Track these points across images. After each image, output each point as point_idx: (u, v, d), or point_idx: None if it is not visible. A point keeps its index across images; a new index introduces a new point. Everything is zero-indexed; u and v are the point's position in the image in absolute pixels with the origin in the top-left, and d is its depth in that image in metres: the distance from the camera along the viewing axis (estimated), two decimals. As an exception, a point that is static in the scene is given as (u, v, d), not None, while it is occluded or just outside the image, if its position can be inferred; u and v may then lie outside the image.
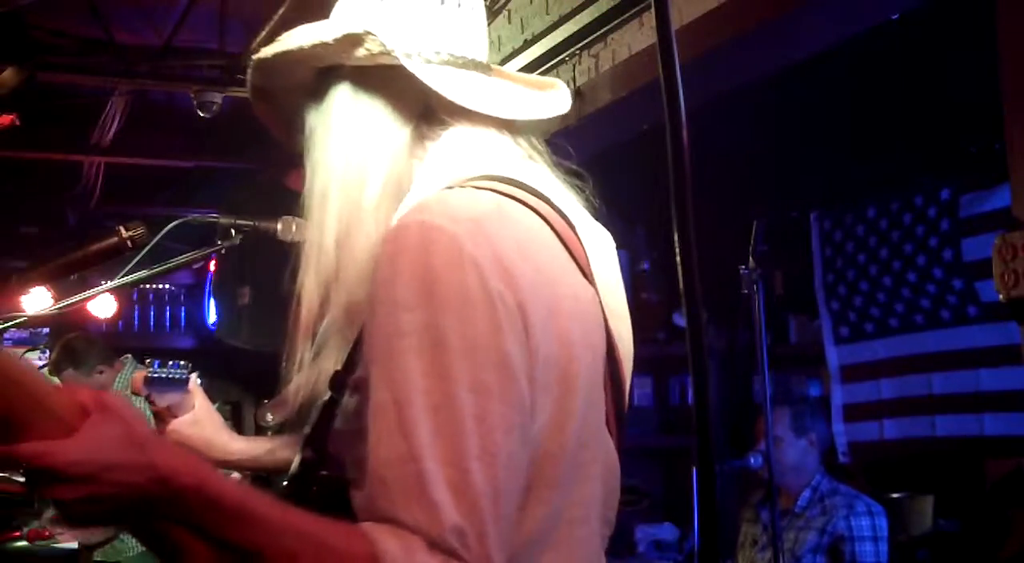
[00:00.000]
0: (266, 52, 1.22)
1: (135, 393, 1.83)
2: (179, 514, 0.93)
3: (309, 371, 1.15)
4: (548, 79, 1.34)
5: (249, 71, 1.26)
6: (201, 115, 4.91)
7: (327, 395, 1.12)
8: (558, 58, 3.52)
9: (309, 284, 1.16)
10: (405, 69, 1.15)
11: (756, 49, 2.91)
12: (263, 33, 4.60)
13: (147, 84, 5.06)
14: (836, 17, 2.71)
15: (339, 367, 1.11)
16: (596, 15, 3.30)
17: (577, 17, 3.39)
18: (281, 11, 4.41)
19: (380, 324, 1.00)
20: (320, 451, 1.12)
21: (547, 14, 3.61)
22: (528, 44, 3.57)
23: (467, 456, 0.94)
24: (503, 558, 0.96)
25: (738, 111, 3.59)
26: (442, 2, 1.22)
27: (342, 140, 1.18)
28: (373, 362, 1.01)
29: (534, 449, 1.02)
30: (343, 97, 1.20)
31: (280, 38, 1.21)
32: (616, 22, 3.25)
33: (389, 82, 1.18)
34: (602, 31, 3.32)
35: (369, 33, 1.13)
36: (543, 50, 3.53)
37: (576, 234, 1.17)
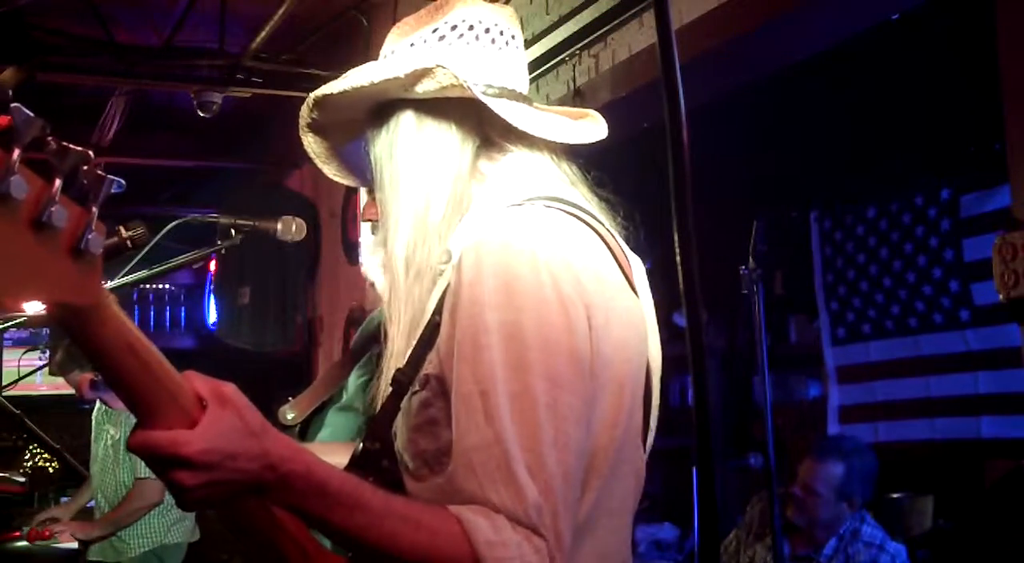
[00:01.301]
0: (331, 89, 1.29)
1: (82, 398, 1.76)
2: (287, 498, 1.01)
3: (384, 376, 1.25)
4: (580, 110, 1.43)
5: (307, 108, 1.35)
6: (201, 115, 4.91)
7: (388, 390, 1.21)
8: (558, 58, 3.52)
9: (394, 307, 1.25)
10: (463, 100, 1.25)
11: (756, 49, 2.91)
12: (263, 33, 4.60)
13: (147, 84, 5.07)
14: (836, 17, 2.71)
15: (400, 366, 1.20)
16: (596, 15, 3.30)
17: (577, 17, 3.39)
18: (281, 11, 4.41)
19: (465, 323, 1.10)
20: (385, 442, 1.21)
21: (547, 14, 3.61)
22: (528, 44, 3.57)
23: (542, 442, 1.05)
24: (570, 536, 1.06)
25: (738, 111, 3.59)
26: (493, 41, 1.33)
27: (410, 167, 1.27)
28: (458, 356, 1.10)
29: (591, 440, 1.13)
30: (408, 127, 1.29)
31: (344, 77, 1.28)
32: (616, 22, 3.25)
33: (448, 112, 1.28)
34: (602, 31, 3.32)
35: (441, 66, 1.22)
36: (543, 50, 3.54)
37: (624, 252, 1.28)
